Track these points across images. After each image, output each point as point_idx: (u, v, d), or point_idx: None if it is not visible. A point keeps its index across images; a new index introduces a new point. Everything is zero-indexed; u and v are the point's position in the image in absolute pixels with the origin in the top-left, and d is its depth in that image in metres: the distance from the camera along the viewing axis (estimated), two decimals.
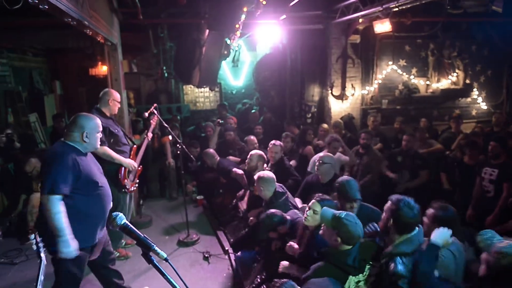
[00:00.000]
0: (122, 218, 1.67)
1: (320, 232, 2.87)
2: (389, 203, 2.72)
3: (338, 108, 8.46)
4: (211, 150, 6.51)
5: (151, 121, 4.86)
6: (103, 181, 3.16)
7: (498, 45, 8.92)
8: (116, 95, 4.50)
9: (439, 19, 8.17)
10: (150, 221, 6.02)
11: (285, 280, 2.41)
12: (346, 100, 8.45)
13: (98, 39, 5.19)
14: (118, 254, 4.72)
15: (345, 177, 3.71)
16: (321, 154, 5.00)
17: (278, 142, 5.48)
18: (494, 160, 4.81)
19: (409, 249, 2.53)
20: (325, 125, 7.28)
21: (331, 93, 8.39)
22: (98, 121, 3.14)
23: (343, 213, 2.71)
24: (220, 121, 7.29)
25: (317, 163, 4.57)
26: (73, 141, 2.98)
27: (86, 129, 3.00)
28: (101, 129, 3.15)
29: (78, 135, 2.98)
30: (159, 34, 8.03)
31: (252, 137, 6.82)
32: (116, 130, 4.42)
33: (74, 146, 2.98)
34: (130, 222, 4.76)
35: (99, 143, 3.19)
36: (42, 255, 2.35)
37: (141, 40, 8.18)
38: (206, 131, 7.75)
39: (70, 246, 2.74)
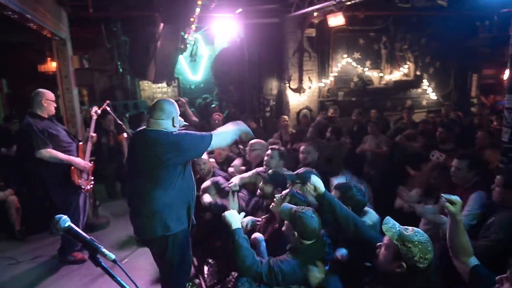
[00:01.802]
0: (65, 221, 1.59)
1: (283, 228, 2.89)
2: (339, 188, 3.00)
3: (296, 101, 8.56)
4: None
5: (92, 114, 4.53)
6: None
7: (445, 37, 9.35)
8: (49, 94, 4.27)
9: (390, 13, 8.44)
10: (107, 222, 5.83)
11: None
12: (303, 93, 8.58)
13: (45, 34, 4.93)
14: (73, 258, 4.55)
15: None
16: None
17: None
18: (443, 146, 5.00)
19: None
20: (285, 117, 7.41)
21: (289, 86, 8.48)
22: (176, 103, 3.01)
23: (301, 208, 2.73)
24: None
25: (248, 149, 4.79)
26: (165, 128, 2.81)
27: (175, 113, 2.88)
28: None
29: (168, 121, 2.83)
30: (112, 28, 7.74)
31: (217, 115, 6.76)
32: (56, 131, 4.21)
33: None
34: (86, 224, 4.61)
35: None
36: None
37: (93, 34, 7.87)
38: None
39: None
